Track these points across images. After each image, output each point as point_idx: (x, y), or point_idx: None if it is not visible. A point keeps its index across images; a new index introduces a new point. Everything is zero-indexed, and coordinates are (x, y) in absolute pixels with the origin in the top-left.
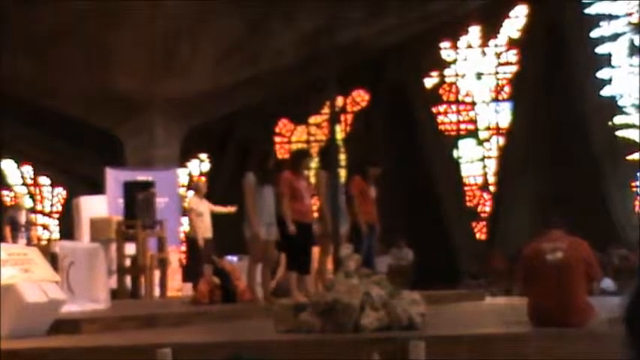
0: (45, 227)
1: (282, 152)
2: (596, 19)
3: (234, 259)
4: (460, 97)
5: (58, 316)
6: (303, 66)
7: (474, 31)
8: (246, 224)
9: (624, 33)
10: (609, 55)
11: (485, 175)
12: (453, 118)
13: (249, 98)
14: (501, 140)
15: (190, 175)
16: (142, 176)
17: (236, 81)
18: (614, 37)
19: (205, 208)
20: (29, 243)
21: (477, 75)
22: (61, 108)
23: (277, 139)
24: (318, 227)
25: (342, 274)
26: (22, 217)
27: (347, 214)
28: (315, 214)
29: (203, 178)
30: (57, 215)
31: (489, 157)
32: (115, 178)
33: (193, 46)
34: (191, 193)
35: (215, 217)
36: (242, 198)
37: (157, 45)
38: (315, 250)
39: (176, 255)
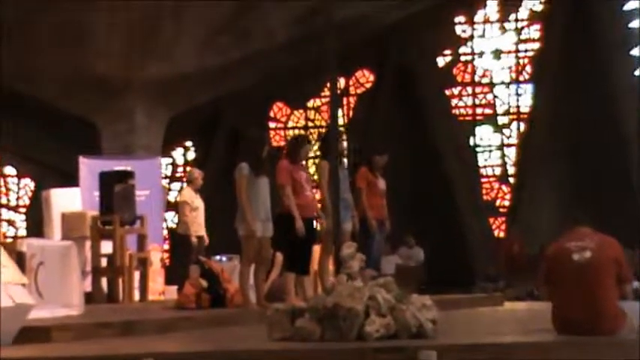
0: (10, 223)
1: (277, 139)
2: None
3: (223, 259)
4: (476, 78)
5: (25, 323)
6: (300, 44)
7: (492, 5)
8: (239, 220)
9: None
10: None
11: (504, 165)
12: (469, 101)
13: (239, 81)
14: (522, 126)
15: (174, 165)
16: (120, 166)
17: (225, 62)
18: None
19: (200, 202)
20: None
21: (495, 53)
22: (31, 92)
23: (272, 124)
24: (320, 223)
25: (344, 276)
26: None
27: (353, 208)
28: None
29: (197, 171)
30: (24, 210)
31: (509, 145)
32: (89, 168)
33: (177, 25)
34: (176, 185)
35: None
36: (233, 191)
37: (138, 23)
38: (316, 249)
39: (158, 254)
